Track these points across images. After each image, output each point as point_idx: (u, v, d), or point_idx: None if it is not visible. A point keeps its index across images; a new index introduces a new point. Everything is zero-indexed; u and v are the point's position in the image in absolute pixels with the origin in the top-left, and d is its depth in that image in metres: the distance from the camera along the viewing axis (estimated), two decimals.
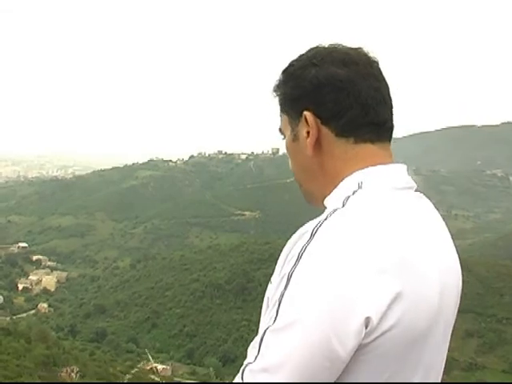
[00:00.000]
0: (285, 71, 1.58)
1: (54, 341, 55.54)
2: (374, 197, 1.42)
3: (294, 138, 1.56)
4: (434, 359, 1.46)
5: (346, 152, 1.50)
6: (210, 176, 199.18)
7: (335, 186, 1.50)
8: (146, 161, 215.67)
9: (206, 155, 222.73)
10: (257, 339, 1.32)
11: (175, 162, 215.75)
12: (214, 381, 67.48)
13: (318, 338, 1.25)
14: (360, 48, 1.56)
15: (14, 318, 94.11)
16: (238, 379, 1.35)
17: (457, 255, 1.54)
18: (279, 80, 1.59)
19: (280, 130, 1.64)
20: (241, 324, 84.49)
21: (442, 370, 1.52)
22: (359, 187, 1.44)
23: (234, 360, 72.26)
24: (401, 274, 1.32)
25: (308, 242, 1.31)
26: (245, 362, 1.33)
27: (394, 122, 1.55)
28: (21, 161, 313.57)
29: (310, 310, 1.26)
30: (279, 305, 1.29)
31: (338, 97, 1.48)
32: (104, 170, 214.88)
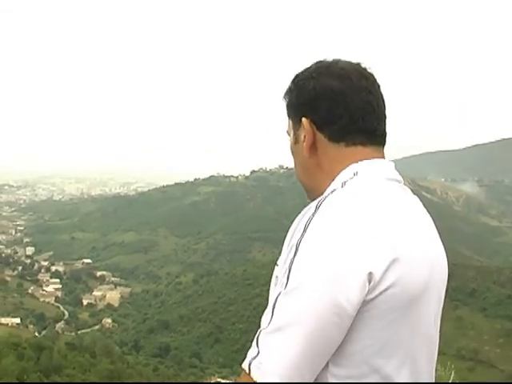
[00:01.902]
0: (292, 81, 1.77)
1: (118, 356, 55.62)
2: (369, 181, 1.60)
3: (295, 140, 1.74)
4: (430, 332, 1.61)
5: (339, 153, 1.67)
6: (271, 191, 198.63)
7: (332, 180, 1.66)
8: (208, 177, 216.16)
9: (268, 170, 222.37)
10: (270, 305, 1.46)
11: (236, 178, 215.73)
12: None
13: (325, 295, 1.40)
14: (358, 63, 1.73)
15: (79, 332, 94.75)
16: (253, 346, 1.46)
17: (443, 248, 1.68)
18: (288, 88, 1.78)
19: (287, 132, 1.81)
20: None
21: (436, 353, 1.67)
22: (355, 175, 1.62)
23: None
24: (396, 242, 1.48)
25: (313, 215, 1.48)
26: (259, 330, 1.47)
27: (387, 129, 1.70)
28: (84, 178, 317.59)
29: (317, 270, 1.41)
30: (289, 271, 1.44)
31: (330, 107, 1.66)
32: (166, 186, 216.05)
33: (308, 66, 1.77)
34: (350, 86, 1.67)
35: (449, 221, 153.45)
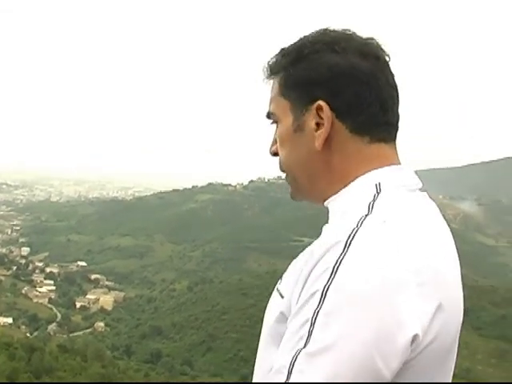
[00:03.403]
0: (293, 51, 1.43)
1: (109, 360, 55.56)
2: (397, 202, 1.32)
3: (298, 128, 1.41)
4: (453, 367, 1.40)
5: (359, 151, 1.38)
6: (269, 201, 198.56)
7: (344, 185, 1.39)
8: (206, 184, 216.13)
9: (266, 180, 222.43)
10: (283, 362, 1.18)
11: (235, 187, 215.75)
12: None
13: (361, 362, 1.14)
14: (374, 39, 1.43)
15: (71, 335, 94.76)
16: None
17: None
18: (284, 59, 1.45)
19: (271, 114, 1.49)
20: None
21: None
22: (377, 190, 1.33)
23: None
24: (438, 286, 1.24)
25: (343, 254, 1.18)
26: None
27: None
28: (82, 181, 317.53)
29: (352, 331, 1.14)
30: (312, 324, 1.16)
31: (358, 91, 1.36)
32: (164, 192, 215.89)
33: (313, 33, 1.45)
34: (380, 68, 1.40)
35: None
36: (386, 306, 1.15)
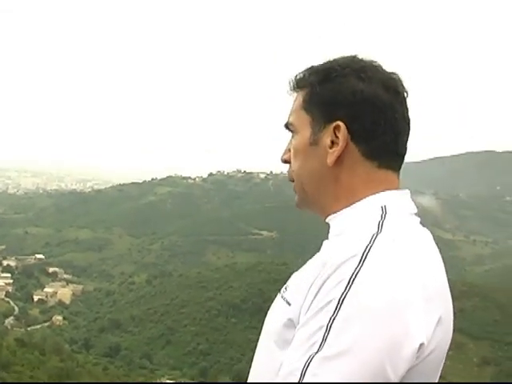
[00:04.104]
0: (322, 71, 1.54)
1: (67, 354, 55.41)
2: (403, 222, 1.44)
3: (313, 142, 1.52)
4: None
5: (367, 173, 1.48)
6: (228, 194, 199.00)
7: (348, 203, 1.49)
8: (165, 177, 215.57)
9: (225, 173, 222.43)
10: (296, 365, 1.26)
11: (194, 179, 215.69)
12: None
13: (372, 367, 1.23)
14: (396, 74, 1.54)
15: (29, 329, 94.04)
16: None
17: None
18: (312, 76, 1.55)
19: (290, 124, 1.59)
20: (255, 344, 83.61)
21: None
22: (383, 211, 1.44)
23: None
24: (439, 300, 1.38)
25: (359, 267, 1.28)
26: None
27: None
28: (40, 173, 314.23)
29: (367, 338, 1.23)
30: (328, 330, 1.25)
31: (377, 119, 1.46)
32: (123, 185, 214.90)
33: (342, 58, 1.55)
34: (399, 101, 1.51)
35: None
36: (397, 317, 1.25)
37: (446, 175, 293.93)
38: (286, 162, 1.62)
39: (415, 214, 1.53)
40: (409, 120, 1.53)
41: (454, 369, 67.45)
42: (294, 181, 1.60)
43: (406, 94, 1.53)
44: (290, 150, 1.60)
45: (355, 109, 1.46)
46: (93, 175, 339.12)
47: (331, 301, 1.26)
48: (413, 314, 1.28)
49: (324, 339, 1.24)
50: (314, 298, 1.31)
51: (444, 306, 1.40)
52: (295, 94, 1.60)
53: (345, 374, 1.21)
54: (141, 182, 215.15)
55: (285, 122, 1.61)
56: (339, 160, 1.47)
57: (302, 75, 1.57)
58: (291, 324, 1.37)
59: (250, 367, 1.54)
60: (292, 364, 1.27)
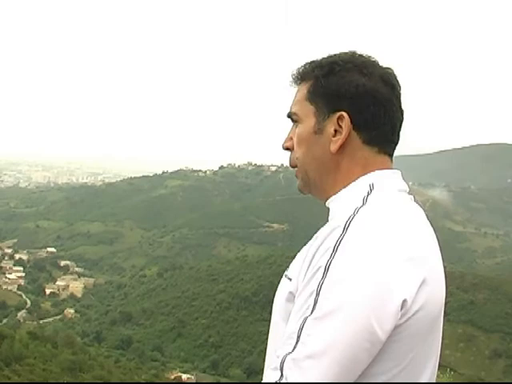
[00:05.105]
0: (326, 65, 1.64)
1: (79, 346, 55.49)
2: (388, 196, 1.55)
3: (318, 130, 1.62)
4: (439, 346, 1.60)
5: (366, 158, 1.60)
6: (239, 187, 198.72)
7: (344, 186, 1.62)
8: (176, 170, 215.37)
9: (236, 166, 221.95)
10: (293, 329, 1.40)
11: (205, 172, 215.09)
12: None
13: (360, 323, 1.35)
14: (391, 69, 1.66)
15: (41, 322, 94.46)
16: (273, 370, 1.40)
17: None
18: (316, 70, 1.65)
19: (294, 114, 1.69)
20: (266, 336, 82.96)
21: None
22: (371, 188, 1.56)
23: (259, 372, 71.62)
24: (424, 262, 1.46)
25: (342, 235, 1.41)
26: (279, 353, 1.40)
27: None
28: (51, 166, 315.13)
29: (352, 296, 1.35)
30: (318, 294, 1.38)
31: (377, 110, 1.58)
32: (133, 178, 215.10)
33: (343, 54, 1.67)
34: (396, 95, 1.63)
35: None
36: (379, 276, 1.37)
37: (456, 168, 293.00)
38: (287, 149, 1.72)
39: (407, 192, 1.63)
40: (403, 111, 1.65)
41: (465, 361, 67.52)
42: (294, 166, 1.71)
43: (400, 88, 1.65)
44: (291, 138, 1.70)
45: (357, 101, 1.57)
46: (103, 169, 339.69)
47: (319, 268, 1.40)
48: (393, 272, 1.38)
49: (315, 302, 1.37)
50: (308, 268, 1.44)
51: (428, 269, 1.47)
52: (298, 86, 1.70)
53: (336, 331, 1.34)
54: (151, 175, 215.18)
55: (288, 112, 1.71)
56: (341, 147, 1.59)
57: (305, 68, 1.68)
58: (291, 297, 1.49)
59: (264, 357, 1.65)
60: (290, 328, 1.41)
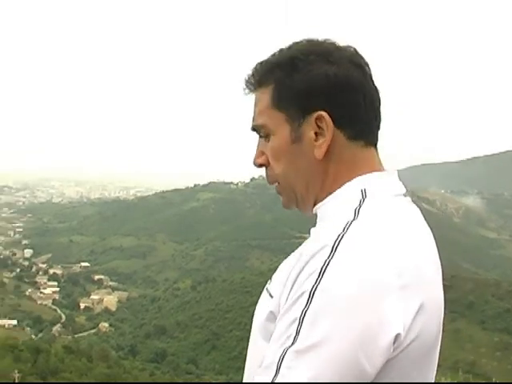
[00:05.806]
0: (286, 63, 1.42)
1: (114, 360, 55.68)
2: (382, 207, 1.35)
3: (296, 139, 1.41)
4: (434, 371, 1.44)
5: (354, 155, 1.41)
6: (270, 198, 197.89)
7: (330, 192, 1.43)
8: (207, 183, 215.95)
9: None
10: (273, 359, 1.23)
11: (236, 184, 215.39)
12: None
13: (346, 360, 1.18)
14: (351, 46, 1.45)
15: (76, 336, 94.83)
16: None
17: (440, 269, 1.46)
18: (275, 71, 1.43)
19: (261, 127, 1.46)
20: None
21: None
22: (363, 196, 1.37)
23: None
24: (420, 286, 1.28)
25: (330, 257, 1.23)
26: (257, 381, 1.26)
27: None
28: (84, 182, 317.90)
29: (338, 330, 1.19)
30: (300, 323, 1.21)
31: (355, 99, 1.39)
32: (165, 192, 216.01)
33: (299, 44, 1.45)
34: (367, 76, 1.43)
35: (448, 233, 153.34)
36: (370, 307, 1.19)
37: (488, 174, 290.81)
38: (261, 165, 1.53)
39: (403, 194, 1.44)
40: (378, 90, 1.44)
41: (502, 370, 66.48)
42: (274, 183, 1.55)
43: (368, 65, 1.44)
44: (262, 153, 1.49)
45: (332, 94, 1.38)
46: (135, 183, 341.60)
47: (303, 293, 1.22)
48: (386, 303, 1.21)
49: (297, 332, 1.20)
50: (290, 290, 1.27)
51: (426, 293, 1.31)
52: (255, 93, 1.48)
53: (318, 368, 1.18)
54: (183, 188, 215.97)
55: (252, 125, 1.49)
56: (327, 150, 1.39)
57: (261, 71, 1.45)
58: (273, 317, 1.33)
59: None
60: (269, 357, 1.24)
